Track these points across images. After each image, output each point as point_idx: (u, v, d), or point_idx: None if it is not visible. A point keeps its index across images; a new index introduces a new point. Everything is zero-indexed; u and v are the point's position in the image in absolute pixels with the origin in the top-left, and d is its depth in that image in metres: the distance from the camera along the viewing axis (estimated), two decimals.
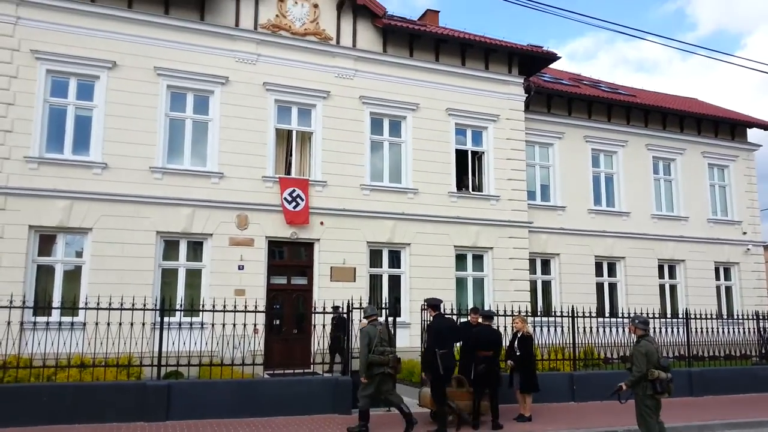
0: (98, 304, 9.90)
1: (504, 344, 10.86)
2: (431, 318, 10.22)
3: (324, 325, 11.09)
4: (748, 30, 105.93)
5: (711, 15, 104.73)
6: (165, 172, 14.81)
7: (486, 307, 15.79)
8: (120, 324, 10.01)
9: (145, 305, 10.78)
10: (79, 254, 14.19)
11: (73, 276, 14.03)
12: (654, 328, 13.13)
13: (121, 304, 10.09)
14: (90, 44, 14.49)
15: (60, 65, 14.28)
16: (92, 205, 14.05)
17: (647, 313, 13.75)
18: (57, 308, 11.36)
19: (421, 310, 12.56)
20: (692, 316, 14.49)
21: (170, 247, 14.91)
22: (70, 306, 11.69)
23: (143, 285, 13.78)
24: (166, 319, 10.20)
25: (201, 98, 15.58)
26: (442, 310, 10.29)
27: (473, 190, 18.15)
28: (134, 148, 14.55)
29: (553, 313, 14.35)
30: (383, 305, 15.20)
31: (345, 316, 12.06)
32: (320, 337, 10.93)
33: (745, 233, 22.59)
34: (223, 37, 15.75)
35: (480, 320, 10.75)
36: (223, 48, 15.72)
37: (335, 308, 13.01)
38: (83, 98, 14.57)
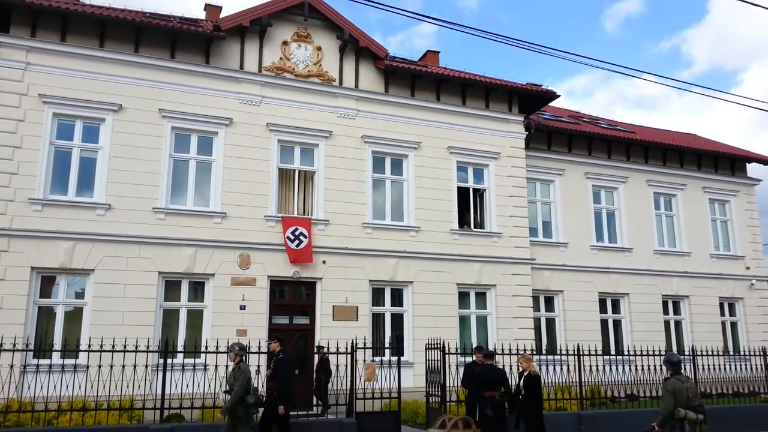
0: (101, 346, 9.82)
1: (511, 383, 10.74)
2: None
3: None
4: (742, 66, 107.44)
5: (706, 52, 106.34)
6: (168, 212, 14.89)
7: (490, 346, 15.65)
8: (123, 366, 9.94)
9: (148, 347, 10.74)
10: (80, 295, 14.16)
11: (74, 317, 13.97)
12: (661, 365, 13.09)
13: (125, 346, 10.04)
14: (97, 88, 14.74)
15: (66, 108, 14.50)
16: (95, 246, 14.08)
17: (651, 350, 13.69)
18: (58, 351, 11.26)
19: (425, 349, 12.50)
20: (698, 353, 14.34)
21: (172, 288, 14.88)
22: (72, 348, 11.60)
23: (144, 326, 13.70)
24: (167, 360, 10.13)
25: (205, 139, 15.76)
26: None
27: (475, 228, 18.19)
28: (138, 189, 14.66)
29: (558, 351, 14.22)
30: (386, 344, 15.20)
31: (326, 357, 12.84)
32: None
33: (748, 268, 22.53)
34: (228, 79, 16.02)
35: (492, 360, 10.67)
36: (228, 90, 15.98)
37: (319, 348, 13.10)
38: (88, 140, 14.74)
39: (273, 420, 9.72)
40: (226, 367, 10.33)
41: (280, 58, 16.71)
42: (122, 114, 14.91)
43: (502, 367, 10.86)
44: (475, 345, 14.39)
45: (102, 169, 14.60)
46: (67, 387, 10.01)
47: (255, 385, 9.44)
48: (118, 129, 14.80)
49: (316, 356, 13.99)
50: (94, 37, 14.96)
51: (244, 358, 9.19)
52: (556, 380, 13.10)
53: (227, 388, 9.13)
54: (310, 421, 11.09)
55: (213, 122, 15.70)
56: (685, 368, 14.19)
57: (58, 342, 12.96)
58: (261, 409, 9.70)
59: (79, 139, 14.68)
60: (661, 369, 13.16)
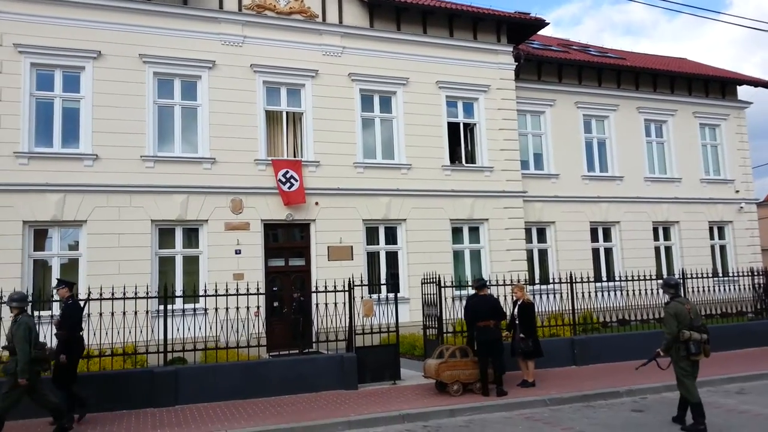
0: (101, 294, 9.92)
1: (507, 312, 11.00)
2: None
3: (326, 304, 11.15)
4: None
5: None
6: (156, 160, 14.75)
7: (485, 278, 15.88)
8: (124, 314, 10.06)
9: (148, 293, 10.82)
10: (74, 247, 14.19)
11: (70, 269, 14.02)
12: (651, 288, 13.39)
13: (124, 294, 10.14)
14: (73, 35, 14.31)
15: (44, 58, 14.12)
16: (85, 197, 14.00)
17: (642, 275, 13.95)
18: (56, 301, 11.33)
19: (421, 284, 12.69)
20: (688, 276, 14.63)
21: (166, 235, 14.91)
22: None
23: (141, 274, 13.75)
24: (167, 306, 10.27)
25: (188, 84, 15.45)
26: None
27: (466, 163, 18.14)
28: (124, 137, 14.46)
29: (551, 281, 14.46)
30: (382, 281, 15.42)
31: (303, 298, 13.36)
32: (323, 317, 11.00)
33: (737, 191, 22.72)
34: (208, 20, 15.57)
35: (485, 290, 10.86)
36: (208, 32, 15.55)
37: (293, 289, 13.48)
38: (70, 90, 14.44)
39: (68, 372, 8.70)
40: (227, 309, 10.52)
41: None
42: (102, 61, 14.53)
43: (496, 297, 11.04)
44: (472, 279, 14.63)
45: (86, 119, 14.35)
46: None
47: (42, 339, 8.44)
48: (99, 77, 14.47)
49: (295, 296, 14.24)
50: None
51: (25, 309, 8.17)
52: (550, 308, 13.39)
53: (5, 344, 8.07)
54: (311, 358, 11.36)
55: (195, 66, 15.35)
56: (680, 291, 14.63)
57: (55, 293, 13.02)
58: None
59: (60, 89, 14.36)
60: (651, 293, 13.56)
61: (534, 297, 12.16)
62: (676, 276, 15.16)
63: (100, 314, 9.83)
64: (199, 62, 15.35)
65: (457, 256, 17.59)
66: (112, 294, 10.04)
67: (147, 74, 14.92)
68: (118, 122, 14.45)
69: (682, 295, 13.58)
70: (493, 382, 10.19)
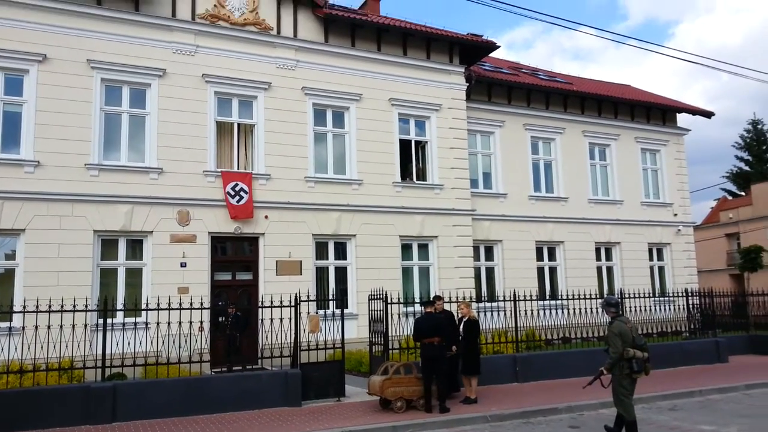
0: (37, 306, 9.58)
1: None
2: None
3: (272, 320, 11.05)
4: (675, 20, 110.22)
5: (641, 5, 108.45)
6: (101, 168, 14.40)
7: (431, 295, 16.05)
8: (61, 327, 9.72)
9: (87, 306, 10.49)
10: (11, 257, 13.65)
11: (5, 279, 13.50)
12: (592, 307, 13.78)
13: (62, 307, 9.80)
14: (18, 36, 13.90)
15: None
16: (24, 204, 13.52)
17: (583, 294, 14.36)
18: None
19: (369, 300, 12.73)
20: (627, 296, 15.13)
21: (108, 246, 14.52)
22: (5, 310, 11.22)
23: (81, 286, 13.32)
24: (107, 319, 10.00)
25: (138, 91, 15.18)
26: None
27: (417, 180, 18.35)
28: (68, 144, 14.06)
29: (496, 298, 14.72)
30: (329, 297, 15.36)
31: (239, 313, 13.49)
32: (268, 332, 10.89)
33: (675, 215, 23.67)
34: (160, 28, 15.36)
35: (431, 308, 10.98)
36: (160, 39, 15.34)
37: (231, 305, 13.48)
38: (11, 93, 13.98)
39: None
40: (168, 324, 10.31)
41: (215, 5, 16.10)
42: (47, 65, 14.14)
43: (445, 315, 11.15)
44: (420, 295, 14.76)
45: (28, 123, 13.90)
46: (1, 350, 9.78)
47: None
48: (44, 81, 14.07)
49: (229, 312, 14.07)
50: None
51: None
52: (495, 325, 13.63)
53: None
54: (255, 374, 11.22)
55: (145, 73, 15.10)
56: (621, 310, 15.09)
57: None
58: None
59: (1, 92, 13.90)
60: (592, 312, 13.95)
61: (480, 314, 12.38)
62: (616, 295, 15.68)
63: (36, 327, 9.49)
64: (149, 70, 15.11)
65: (407, 272, 17.72)
66: (49, 306, 9.70)
67: (95, 80, 14.59)
68: (62, 128, 14.05)
69: (622, 314, 14.01)
70: (437, 399, 10.28)
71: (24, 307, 9.55)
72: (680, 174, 24.26)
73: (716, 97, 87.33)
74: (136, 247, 14.82)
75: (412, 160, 18.38)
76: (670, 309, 16.80)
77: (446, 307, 12.06)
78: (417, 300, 14.31)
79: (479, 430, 9.35)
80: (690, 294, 16.99)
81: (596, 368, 8.19)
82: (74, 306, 9.96)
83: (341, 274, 16.90)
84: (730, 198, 51.19)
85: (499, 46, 19.32)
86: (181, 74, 15.45)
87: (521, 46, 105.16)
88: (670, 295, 17.37)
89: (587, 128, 22.27)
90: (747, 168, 52.57)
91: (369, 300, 12.73)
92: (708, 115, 24.94)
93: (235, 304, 14.53)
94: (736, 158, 53.72)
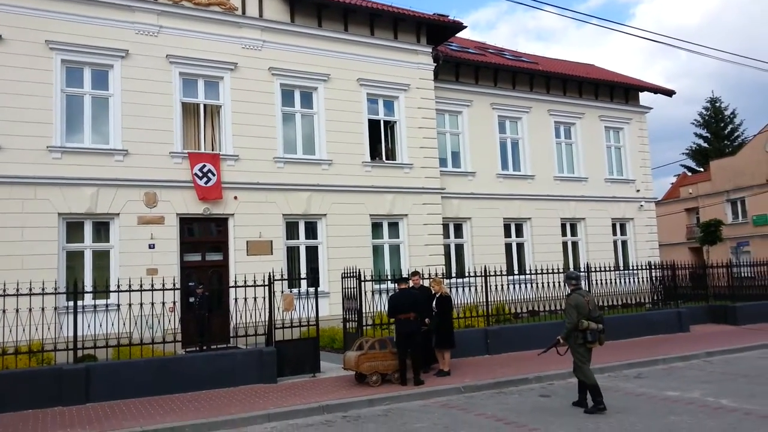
0: (5, 290, 9.41)
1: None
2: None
3: (246, 299, 11.05)
4: (635, 1, 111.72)
5: None
6: (64, 151, 14.09)
7: (404, 273, 16.19)
8: (30, 310, 9.56)
9: (56, 289, 10.33)
10: None
11: None
12: (557, 281, 14.11)
13: (30, 290, 9.64)
14: None
15: None
16: None
17: (549, 269, 14.67)
18: None
19: (342, 278, 12.80)
20: (593, 269, 15.52)
21: (74, 229, 14.28)
22: None
23: (47, 269, 13.07)
24: (77, 303, 9.88)
25: (100, 73, 14.85)
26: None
27: (387, 159, 18.41)
28: (29, 127, 13.71)
29: (467, 274, 14.95)
30: (301, 276, 15.40)
31: (207, 294, 13.58)
32: (242, 311, 10.89)
33: (638, 191, 24.25)
34: (121, 8, 15.00)
35: (406, 285, 11.10)
36: (122, 20, 14.99)
37: (200, 286, 13.70)
38: None
39: None
40: (141, 305, 10.24)
41: None
42: (4, 46, 13.73)
43: (418, 291, 11.29)
44: (391, 273, 14.88)
45: None
46: None
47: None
48: (1, 62, 13.65)
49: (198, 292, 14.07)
50: None
51: None
52: (465, 300, 13.86)
53: None
54: (229, 353, 11.24)
55: (107, 54, 14.76)
56: (581, 284, 15.48)
57: None
58: None
59: None
60: (559, 286, 14.29)
61: (451, 290, 12.57)
62: (582, 269, 16.09)
63: (3, 311, 9.32)
64: (111, 51, 14.78)
65: (377, 250, 17.84)
66: (17, 290, 9.54)
67: (54, 61, 14.22)
68: (22, 111, 13.68)
69: (585, 287, 14.41)
70: (412, 372, 10.45)
71: None
72: (642, 151, 24.82)
73: (676, 75, 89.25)
74: (102, 229, 14.59)
75: (381, 139, 18.42)
76: (633, 282, 17.29)
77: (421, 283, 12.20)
78: (389, 277, 14.42)
79: (454, 401, 9.56)
80: (653, 267, 17.49)
81: None
82: (43, 289, 9.82)
83: (312, 253, 16.93)
84: (689, 174, 52.56)
85: (466, 26, 19.40)
86: (145, 55, 15.15)
87: (485, 27, 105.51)
88: (634, 268, 17.84)
89: (553, 107, 22.58)
90: (706, 145, 54.01)
91: (342, 278, 12.80)
92: (669, 93, 25.51)
93: (205, 284, 14.46)
94: (696, 135, 55.25)
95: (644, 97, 25.47)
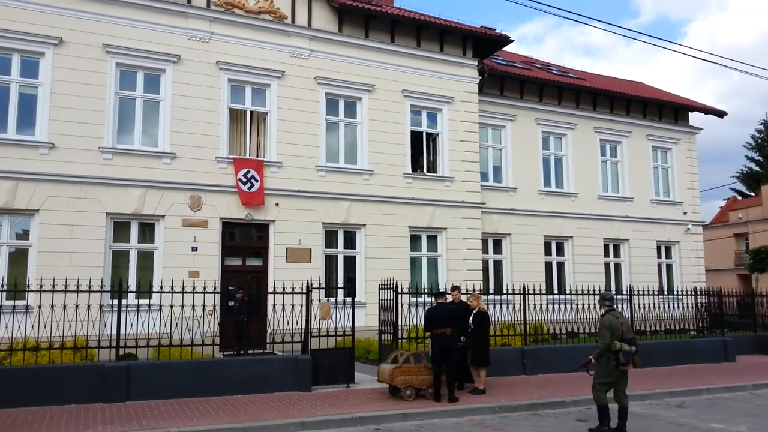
0: (53, 286, 9.69)
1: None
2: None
3: (283, 306, 11.13)
4: (688, 18, 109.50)
5: (653, 2, 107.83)
6: (115, 152, 14.48)
7: (441, 287, 16.10)
8: (77, 307, 9.85)
9: (102, 287, 10.60)
10: (23, 236, 13.79)
11: (18, 259, 13.63)
12: (597, 304, 13.77)
13: (78, 287, 9.91)
14: (34, 19, 13.96)
15: (2, 41, 13.72)
16: (38, 185, 13.64)
17: (591, 290, 14.38)
18: (5, 290, 10.95)
19: (379, 289, 12.78)
20: (635, 293, 15.14)
21: (121, 229, 14.63)
22: (22, 288, 11.34)
23: (93, 267, 13.48)
24: (121, 301, 10.10)
25: (152, 77, 15.24)
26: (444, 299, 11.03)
27: (428, 172, 18.36)
28: (82, 127, 14.15)
29: (504, 291, 14.75)
30: (339, 285, 15.44)
31: (246, 298, 13.59)
32: (279, 318, 10.96)
33: (685, 213, 23.61)
34: (175, 14, 15.40)
35: (443, 299, 11.04)
36: (175, 26, 15.38)
37: (239, 290, 13.83)
38: (28, 76, 14.09)
39: None
40: (182, 306, 10.42)
41: None
42: (63, 48, 14.21)
43: (455, 306, 11.18)
44: (428, 286, 14.79)
45: (43, 106, 14.00)
46: (19, 327, 9.92)
47: None
48: (59, 64, 14.15)
49: (238, 297, 14.18)
50: None
51: None
52: (503, 318, 13.66)
53: None
54: (266, 359, 11.31)
55: (160, 59, 15.16)
56: (622, 307, 15.08)
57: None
58: None
59: (18, 74, 14.00)
60: (599, 307, 13.97)
61: (488, 307, 12.41)
62: (624, 292, 15.72)
63: (52, 306, 9.60)
64: (164, 56, 15.16)
65: (415, 263, 17.77)
66: (65, 286, 9.80)
67: (110, 64, 14.66)
68: (77, 111, 14.14)
69: (627, 311, 14.09)
70: (446, 389, 10.33)
71: (41, 286, 9.64)
72: (691, 173, 24.18)
73: (727, 96, 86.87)
74: (147, 230, 14.92)
75: (423, 151, 18.40)
76: (677, 307, 16.81)
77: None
78: (427, 291, 14.33)
79: (488, 421, 9.40)
80: (698, 293, 16.98)
81: None
82: (90, 286, 10.08)
83: (350, 262, 16.96)
84: (739, 198, 51.02)
85: (512, 40, 19.30)
86: (196, 61, 15.50)
87: (532, 41, 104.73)
88: (678, 293, 17.33)
89: (599, 125, 22.21)
90: (757, 168, 52.37)
91: (379, 289, 12.78)
92: (720, 114, 24.83)
93: (244, 289, 14.62)
94: (747, 158, 53.58)
95: (694, 118, 24.87)
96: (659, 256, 23.01)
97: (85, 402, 9.41)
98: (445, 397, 10.22)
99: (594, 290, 14.50)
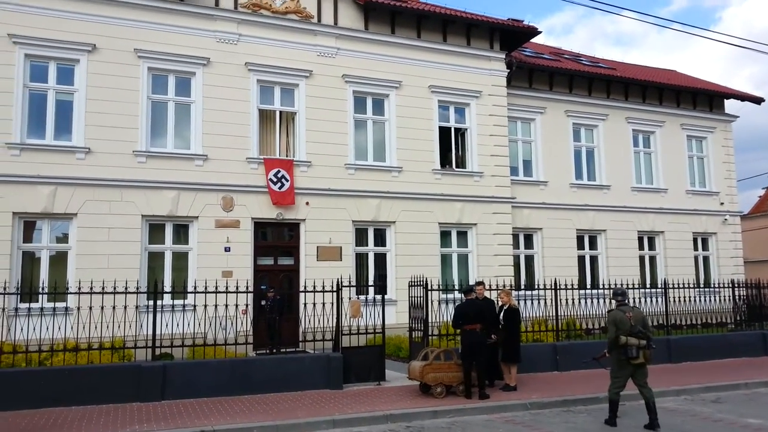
0: (92, 288, 10.00)
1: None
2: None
3: (314, 304, 11.26)
4: (722, 3, 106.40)
5: None
6: (148, 155, 14.80)
7: (471, 283, 16.05)
8: (113, 308, 10.14)
9: (138, 288, 10.89)
10: (62, 240, 14.21)
11: (58, 261, 14.05)
12: (633, 298, 13.61)
13: (115, 288, 10.20)
14: (69, 27, 14.34)
15: (39, 49, 14.13)
16: (76, 190, 14.03)
17: (625, 284, 14.18)
18: (46, 293, 11.35)
19: (409, 286, 12.83)
20: (670, 286, 14.89)
21: (156, 231, 14.95)
22: (61, 291, 11.71)
23: (130, 269, 13.81)
24: (156, 301, 10.36)
25: (183, 80, 15.52)
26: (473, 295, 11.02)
27: (457, 167, 18.32)
28: (117, 132, 14.50)
29: (536, 287, 14.66)
30: (369, 283, 15.54)
31: (278, 297, 13.57)
32: (310, 316, 11.10)
33: (722, 204, 23.06)
34: (203, 17, 15.64)
35: (472, 295, 11.01)
36: (204, 28, 15.62)
37: (271, 289, 13.78)
38: (64, 82, 14.47)
39: None
40: (215, 306, 10.62)
41: None
42: (97, 54, 14.57)
43: (483, 302, 11.17)
44: (459, 282, 14.78)
45: (79, 112, 14.37)
46: (59, 328, 10.27)
47: None
48: (94, 70, 14.50)
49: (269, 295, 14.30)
50: None
51: None
52: (534, 314, 13.59)
53: None
54: (298, 357, 11.47)
55: (190, 62, 15.42)
56: (657, 300, 14.86)
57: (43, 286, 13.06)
58: None
59: (54, 81, 14.38)
60: (634, 302, 13.79)
61: (519, 302, 12.36)
62: (659, 285, 15.46)
63: (90, 308, 9.89)
64: (193, 59, 15.42)
65: (445, 259, 17.76)
66: (103, 288, 10.10)
67: (141, 69, 14.97)
68: (111, 116, 14.48)
69: (661, 303, 13.84)
70: (476, 386, 10.34)
71: (79, 288, 9.96)
72: (727, 162, 23.58)
73: (764, 82, 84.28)
74: (181, 231, 15.23)
75: (451, 147, 18.34)
76: (714, 300, 16.45)
77: (486, 294, 12.07)
78: (456, 287, 14.33)
79: (519, 418, 9.39)
80: (736, 285, 16.60)
81: None
82: (126, 288, 10.37)
83: (380, 260, 17.04)
84: None
85: (540, 32, 19.06)
86: (225, 63, 15.72)
87: (561, 31, 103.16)
88: (715, 285, 16.96)
89: (631, 115, 21.82)
90: None
91: (409, 286, 12.83)
92: (758, 101, 24.13)
93: (276, 288, 14.80)
94: None
95: (730, 105, 24.23)
96: (695, 248, 22.53)
97: (122, 401, 9.67)
98: (476, 394, 10.24)
99: (629, 284, 14.34)
